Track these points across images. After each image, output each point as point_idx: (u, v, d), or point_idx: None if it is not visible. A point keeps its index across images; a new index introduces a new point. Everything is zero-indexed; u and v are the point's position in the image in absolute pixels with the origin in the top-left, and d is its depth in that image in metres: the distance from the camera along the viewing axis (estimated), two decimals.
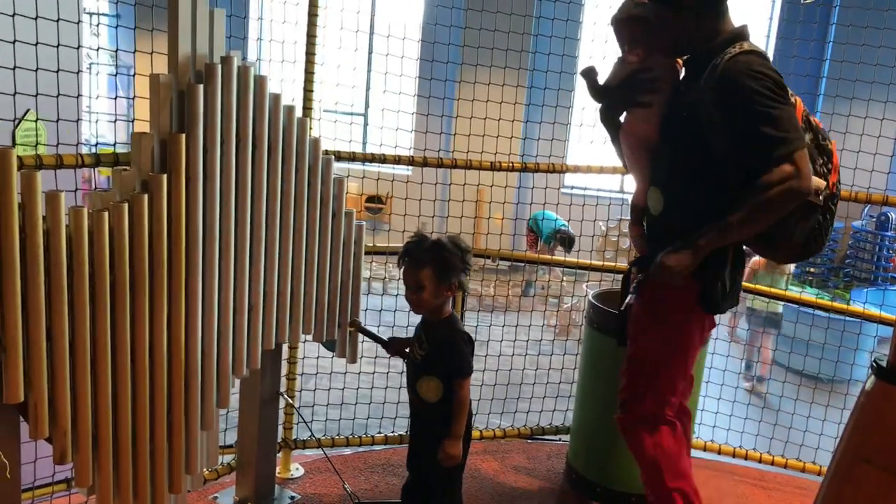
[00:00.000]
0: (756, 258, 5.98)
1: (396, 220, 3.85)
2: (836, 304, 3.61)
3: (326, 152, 2.68)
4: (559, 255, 9.22)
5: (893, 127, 3.98)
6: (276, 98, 2.34)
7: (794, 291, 5.30)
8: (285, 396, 3.15)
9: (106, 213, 1.95)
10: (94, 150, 2.52)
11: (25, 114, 2.91)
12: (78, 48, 2.49)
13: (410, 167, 3.44)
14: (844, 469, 1.32)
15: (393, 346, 2.71)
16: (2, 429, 1.97)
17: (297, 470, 3.32)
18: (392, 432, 3.61)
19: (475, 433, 3.68)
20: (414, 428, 2.67)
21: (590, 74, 2.66)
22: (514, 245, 9.95)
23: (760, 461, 3.67)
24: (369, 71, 10.93)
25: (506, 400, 3.90)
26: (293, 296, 2.55)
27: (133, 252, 2.01)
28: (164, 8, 2.09)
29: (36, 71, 2.31)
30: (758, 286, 4.48)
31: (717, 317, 2.62)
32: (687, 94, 2.42)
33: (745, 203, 2.23)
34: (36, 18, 2.28)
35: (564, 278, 5.84)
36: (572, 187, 9.36)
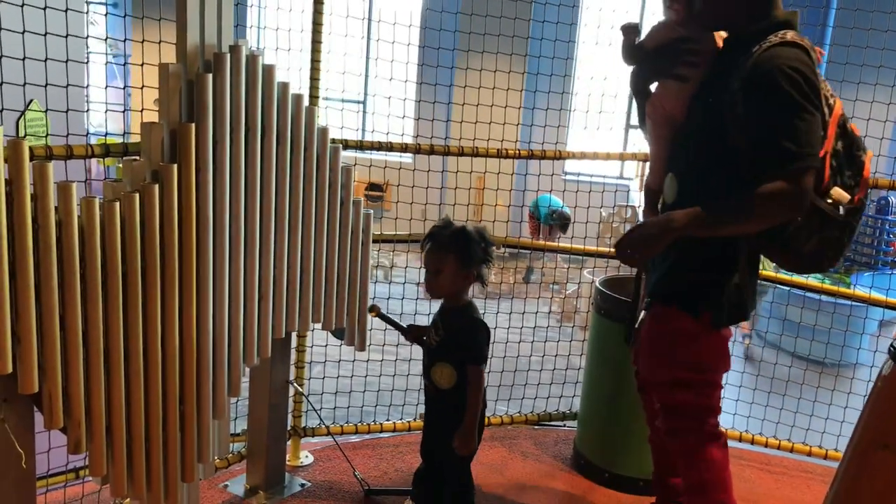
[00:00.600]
0: None
1: (397, 208, 3.85)
2: (843, 290, 3.62)
3: (334, 141, 2.67)
4: (559, 242, 9.26)
5: (893, 111, 3.98)
6: (284, 87, 2.33)
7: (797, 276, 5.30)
8: (294, 384, 3.16)
9: (117, 204, 1.95)
10: (100, 140, 2.51)
11: (29, 104, 2.90)
12: (86, 38, 2.47)
13: (411, 155, 3.42)
14: (861, 455, 1.32)
15: (411, 333, 2.71)
16: (16, 419, 1.97)
17: (306, 458, 3.34)
18: (400, 419, 3.63)
19: None
20: (428, 415, 2.67)
21: (630, 32, 2.49)
22: (515, 232, 9.97)
23: (766, 445, 3.68)
24: (367, 58, 10.89)
25: (512, 386, 3.91)
26: (302, 285, 2.55)
27: (144, 242, 2.01)
28: None
29: (45, 61, 2.30)
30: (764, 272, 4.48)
31: None
32: (718, 77, 2.25)
33: (735, 203, 2.13)
34: (45, 8, 2.27)
35: (568, 265, 5.83)
36: (575, 174, 9.36)
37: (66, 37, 2.32)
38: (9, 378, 1.85)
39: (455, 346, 2.49)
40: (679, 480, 2.65)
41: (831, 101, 2.16)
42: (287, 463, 3.17)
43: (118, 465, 2.11)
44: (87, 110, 2.61)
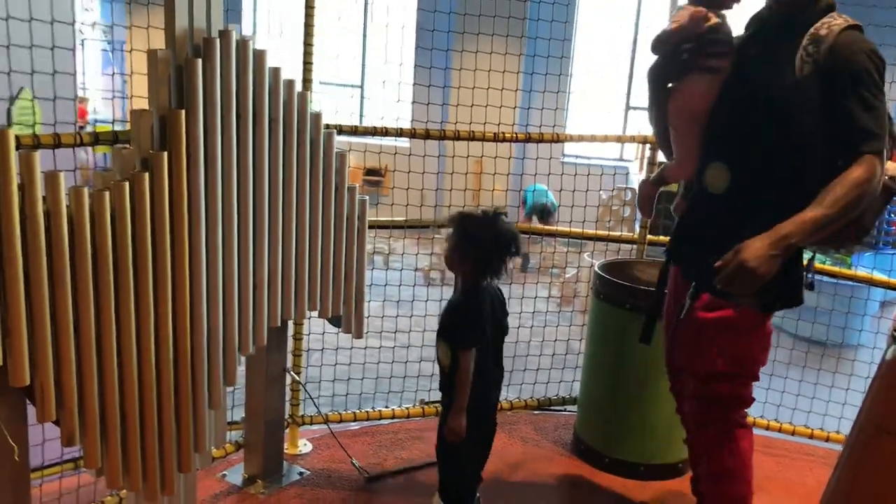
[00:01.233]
0: None
1: (396, 195, 3.82)
2: (844, 270, 3.59)
3: (328, 126, 2.64)
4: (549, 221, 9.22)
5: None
6: (275, 72, 2.29)
7: None
8: (291, 373, 3.14)
9: (107, 193, 1.91)
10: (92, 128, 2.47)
11: (20, 92, 2.86)
12: (73, 24, 2.43)
13: (408, 139, 3.39)
14: (865, 440, 1.30)
15: None
16: (8, 412, 1.95)
17: (304, 446, 3.32)
18: (399, 406, 3.61)
19: None
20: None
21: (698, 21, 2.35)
22: (514, 217, 9.95)
23: (768, 428, 3.67)
24: (364, 41, 10.82)
25: (512, 372, 3.89)
26: (298, 272, 2.53)
27: (135, 231, 1.98)
28: None
29: (31, 48, 2.26)
30: None
31: None
32: (765, 60, 2.22)
33: (837, 196, 2.02)
34: None
35: (567, 249, 5.82)
36: (573, 156, 9.32)
37: (52, 23, 2.28)
38: None
39: (445, 324, 2.51)
40: None
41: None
42: (285, 451, 3.16)
43: (113, 457, 2.09)
44: (75, 98, 2.57)
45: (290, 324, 3.00)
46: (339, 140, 2.62)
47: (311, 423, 3.41)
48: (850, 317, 4.24)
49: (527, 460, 3.37)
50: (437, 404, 3.42)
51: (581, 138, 3.72)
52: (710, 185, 2.34)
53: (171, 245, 2.07)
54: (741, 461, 2.38)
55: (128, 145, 2.09)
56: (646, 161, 2.63)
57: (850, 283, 3.69)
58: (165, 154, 2.02)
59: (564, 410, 3.90)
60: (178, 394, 2.20)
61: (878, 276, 3.71)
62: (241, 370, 2.43)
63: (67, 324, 1.90)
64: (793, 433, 3.65)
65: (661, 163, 2.71)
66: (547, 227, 5.29)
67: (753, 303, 2.25)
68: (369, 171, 10.65)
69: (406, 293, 3.75)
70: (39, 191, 1.80)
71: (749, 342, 2.33)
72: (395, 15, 3.89)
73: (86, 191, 1.88)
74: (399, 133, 3.25)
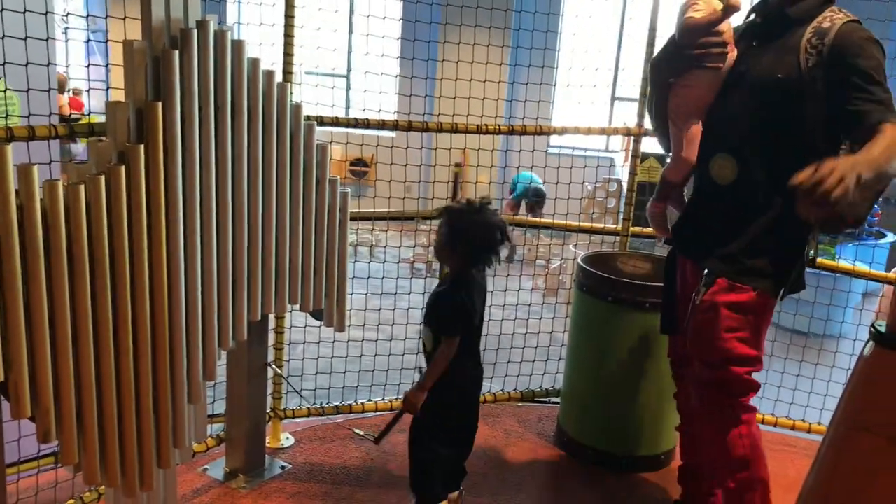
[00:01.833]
0: None
1: (381, 186, 3.80)
2: (826, 261, 3.60)
3: (308, 118, 2.61)
4: (539, 221, 9.20)
5: None
6: (254, 63, 2.27)
7: None
8: (273, 367, 3.12)
9: (82, 187, 1.88)
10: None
11: None
12: (46, 14, 2.39)
13: (394, 131, 3.36)
14: (842, 436, 1.30)
15: None
16: None
17: (287, 439, 3.31)
18: (382, 399, 3.60)
19: None
20: None
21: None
22: (500, 208, 9.92)
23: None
24: (350, 32, 10.75)
25: (496, 364, 3.89)
26: (278, 266, 2.50)
27: (112, 225, 1.95)
28: None
29: (2, 38, 2.22)
30: None
31: None
32: (766, 53, 2.28)
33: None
34: None
35: (550, 240, 5.82)
36: (558, 147, 9.31)
37: (24, 13, 2.24)
38: None
39: (431, 311, 2.53)
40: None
41: None
42: (267, 445, 3.15)
43: (90, 453, 2.07)
44: (50, 89, 2.53)
45: (272, 317, 2.98)
46: (324, 130, 2.60)
47: (294, 417, 3.40)
48: (832, 308, 4.26)
49: (510, 452, 3.37)
50: None
51: (565, 130, 3.71)
52: (716, 176, 2.37)
53: (149, 239, 2.04)
54: (755, 445, 2.42)
55: (104, 138, 2.06)
56: (665, 170, 2.61)
57: (832, 273, 3.70)
58: (142, 147, 1.99)
59: (548, 402, 3.90)
60: (157, 389, 2.17)
61: (861, 267, 3.72)
62: (221, 364, 2.41)
63: (42, 319, 1.88)
64: (775, 424, 3.67)
65: (660, 177, 2.69)
66: (531, 219, 5.28)
67: (770, 286, 2.32)
68: (355, 161, 10.60)
69: (391, 284, 3.73)
70: (12, 184, 1.77)
71: (760, 326, 2.38)
72: (379, 5, 3.86)
73: (60, 185, 1.85)
74: (381, 125, 3.23)
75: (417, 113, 3.77)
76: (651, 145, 3.21)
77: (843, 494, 1.29)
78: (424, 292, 3.03)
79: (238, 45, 2.20)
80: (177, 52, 2.02)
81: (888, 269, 3.93)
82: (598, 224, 5.19)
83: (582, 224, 4.00)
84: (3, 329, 1.81)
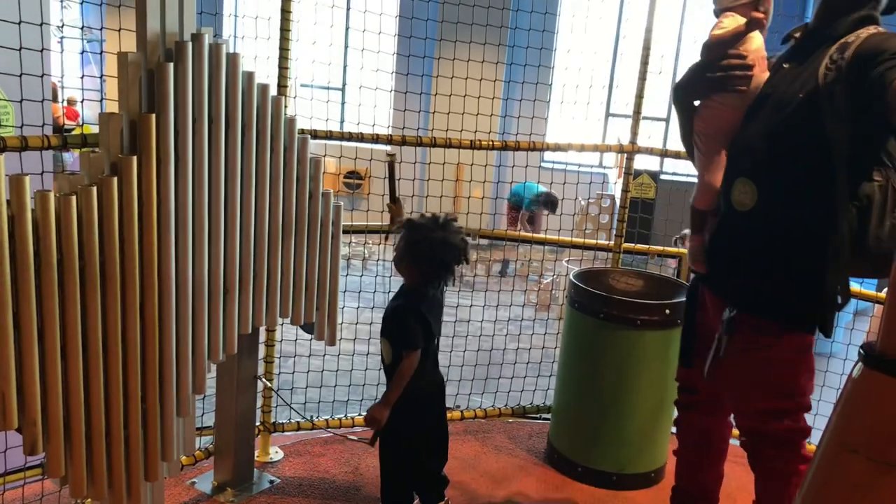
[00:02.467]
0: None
1: (374, 199, 3.80)
2: None
3: (303, 131, 2.61)
4: (536, 227, 9.23)
5: None
6: (249, 76, 2.27)
7: None
8: (263, 380, 3.11)
9: (74, 198, 1.88)
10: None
11: None
12: (41, 25, 2.39)
13: (389, 145, 3.37)
14: (830, 458, 1.29)
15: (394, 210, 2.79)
16: None
17: (276, 453, 3.29)
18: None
19: (455, 414, 3.67)
20: None
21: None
22: (494, 223, 9.95)
23: (734, 436, 3.67)
24: (346, 47, 10.79)
25: (487, 379, 3.89)
26: (269, 279, 2.50)
27: (103, 237, 1.95)
28: None
29: None
30: None
31: None
32: (796, 75, 2.13)
33: None
34: None
35: (542, 255, 5.83)
36: (551, 163, 9.34)
37: (20, 23, 2.24)
38: None
39: (387, 323, 2.52)
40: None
41: None
42: (256, 459, 3.13)
43: (77, 466, 2.06)
44: (44, 100, 2.53)
45: (262, 330, 2.97)
46: (318, 143, 2.60)
47: (283, 431, 3.38)
48: None
49: (500, 469, 3.35)
50: None
51: (559, 147, 3.72)
52: (736, 202, 2.23)
53: (140, 251, 2.04)
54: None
55: (97, 149, 2.06)
56: (692, 200, 2.49)
57: None
58: (135, 158, 1.99)
59: (539, 418, 3.90)
60: (146, 401, 2.16)
61: (851, 286, 3.72)
62: (211, 377, 2.40)
63: (31, 330, 1.87)
64: None
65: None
66: (524, 234, 5.29)
67: (799, 321, 2.15)
68: (349, 174, 10.61)
69: (383, 298, 3.73)
70: (3, 195, 1.76)
71: (795, 373, 2.22)
72: (375, 21, 3.88)
73: (52, 196, 1.85)
74: (375, 139, 3.24)
75: (412, 128, 3.79)
76: (644, 162, 3.23)
77: None
78: None
79: (233, 59, 2.21)
80: (171, 65, 2.03)
81: (879, 289, 3.94)
82: (590, 240, 5.21)
83: (575, 240, 4.01)
84: None
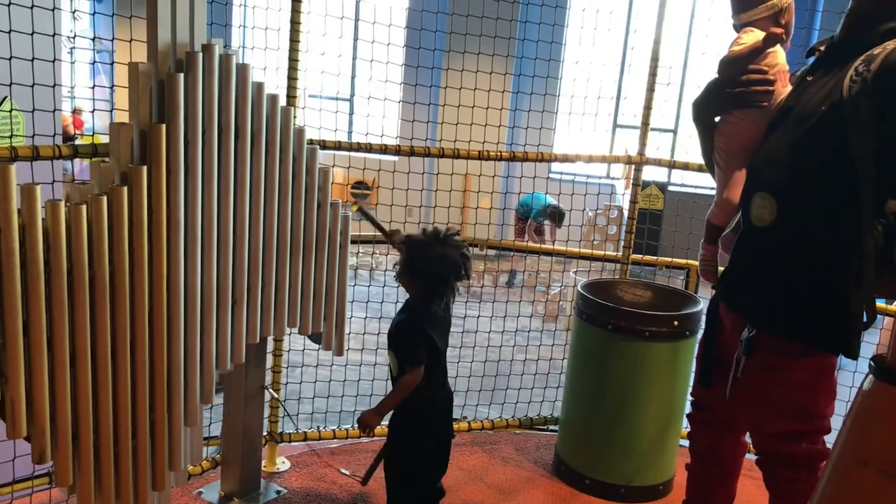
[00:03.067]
0: None
1: (383, 210, 3.81)
2: None
3: (311, 141, 2.62)
4: (543, 238, 9.23)
5: None
6: (259, 87, 2.28)
7: None
8: (270, 391, 3.11)
9: (84, 207, 1.89)
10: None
11: (2, 102, 2.83)
12: (54, 35, 2.42)
13: (397, 156, 3.38)
14: (842, 471, 1.29)
15: (391, 237, 2.74)
16: None
17: (283, 464, 3.29)
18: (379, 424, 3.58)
19: (462, 425, 3.66)
20: None
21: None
22: (501, 234, 9.94)
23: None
24: (354, 58, 10.83)
25: (494, 391, 3.88)
26: (278, 289, 2.51)
27: (113, 246, 1.96)
28: None
29: (10, 59, 2.24)
30: None
31: None
32: (819, 87, 2.07)
33: None
34: (9, 5, 2.22)
35: (550, 266, 5.83)
36: (559, 173, 9.34)
37: (32, 34, 2.26)
38: None
39: (394, 337, 2.52)
40: None
41: None
42: (263, 469, 3.13)
43: (85, 475, 2.06)
44: (55, 110, 2.55)
45: (270, 340, 2.97)
46: (326, 154, 2.61)
47: (290, 441, 3.38)
48: None
49: (507, 481, 3.34)
50: None
51: (566, 158, 3.72)
52: (755, 217, 2.17)
53: (149, 260, 2.05)
54: None
55: (107, 159, 2.07)
56: (710, 214, 2.46)
57: None
58: (145, 168, 2.00)
59: (547, 430, 3.89)
60: (154, 411, 2.17)
61: None
62: (218, 387, 2.40)
63: (41, 338, 1.88)
64: None
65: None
66: (531, 245, 5.29)
67: (819, 341, 2.08)
68: (356, 184, 10.64)
69: (390, 308, 3.73)
70: (15, 204, 1.77)
71: (814, 396, 2.16)
72: (384, 32, 3.90)
73: (62, 205, 1.86)
74: (383, 150, 3.25)
75: (420, 138, 3.80)
76: (652, 173, 3.23)
77: None
78: None
79: (243, 69, 2.22)
80: (182, 75, 2.04)
81: (889, 301, 3.91)
82: (598, 251, 5.20)
83: (582, 251, 4.01)
84: (0, 348, 1.81)
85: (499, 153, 3.44)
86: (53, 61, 2.44)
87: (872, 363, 1.25)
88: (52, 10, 2.47)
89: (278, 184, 2.41)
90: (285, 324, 2.57)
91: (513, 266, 8.73)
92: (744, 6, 2.29)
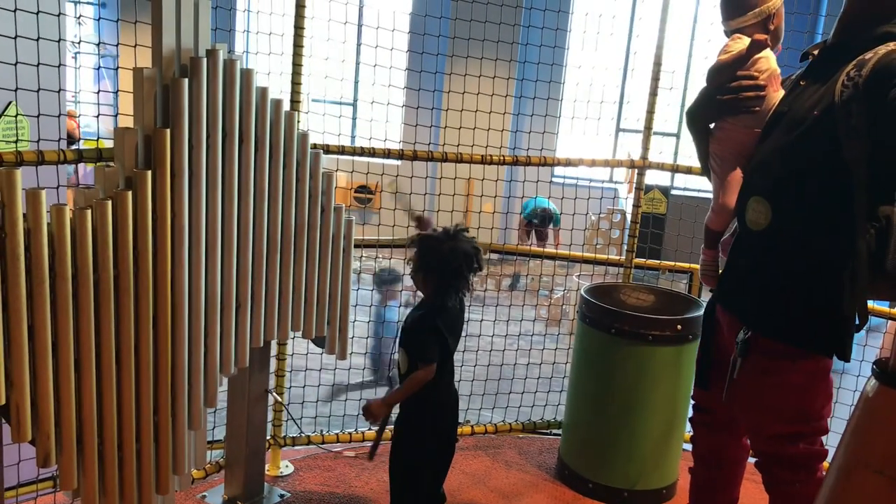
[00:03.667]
0: None
1: (385, 213, 3.81)
2: None
3: (315, 146, 2.63)
4: (544, 242, 9.24)
5: None
6: (263, 92, 2.29)
7: None
8: (274, 394, 3.11)
9: (89, 211, 1.90)
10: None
11: (7, 107, 2.85)
12: (59, 41, 2.43)
13: (400, 160, 3.39)
14: (845, 474, 1.29)
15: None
16: None
17: (286, 467, 3.29)
18: (385, 415, 3.58)
19: (466, 429, 3.66)
20: None
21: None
22: (504, 238, 9.95)
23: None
24: (358, 63, 10.85)
25: (497, 394, 3.88)
26: (281, 293, 2.51)
27: (117, 250, 1.97)
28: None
29: (15, 65, 2.26)
30: None
31: None
32: (812, 92, 2.09)
33: None
34: (15, 11, 2.23)
35: (553, 270, 5.83)
36: (562, 178, 9.35)
37: (38, 40, 2.27)
38: None
39: (406, 335, 2.52)
40: None
41: None
42: (266, 473, 3.13)
43: (89, 478, 2.07)
44: (60, 115, 2.56)
45: (273, 343, 2.98)
46: (329, 158, 2.61)
47: (294, 445, 3.38)
48: None
49: (510, 485, 3.34)
50: None
51: (569, 162, 3.73)
52: (750, 221, 2.20)
53: (154, 264, 2.05)
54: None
55: (112, 163, 2.08)
56: (707, 220, 2.48)
57: None
58: (149, 173, 2.01)
59: (550, 434, 3.89)
60: (158, 415, 2.17)
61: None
62: (222, 390, 2.41)
63: (45, 342, 1.88)
64: None
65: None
66: (535, 248, 5.29)
67: (814, 343, 2.10)
68: (359, 188, 10.64)
69: (393, 313, 3.73)
70: (20, 209, 1.78)
71: (810, 398, 2.18)
72: (387, 37, 3.92)
73: (67, 209, 1.87)
74: (387, 154, 3.25)
75: (423, 143, 3.80)
76: (655, 177, 3.24)
77: None
78: None
79: (247, 74, 2.23)
80: (186, 80, 2.05)
81: (892, 305, 3.91)
82: (601, 255, 5.20)
83: (586, 255, 4.01)
84: (6, 352, 1.82)
85: (501, 157, 3.45)
86: (59, 66, 2.45)
87: (875, 367, 1.25)
88: (58, 15, 2.48)
89: (282, 188, 2.42)
90: (289, 328, 2.58)
91: (516, 270, 8.73)
92: (732, 13, 2.32)
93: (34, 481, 2.70)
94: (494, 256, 5.36)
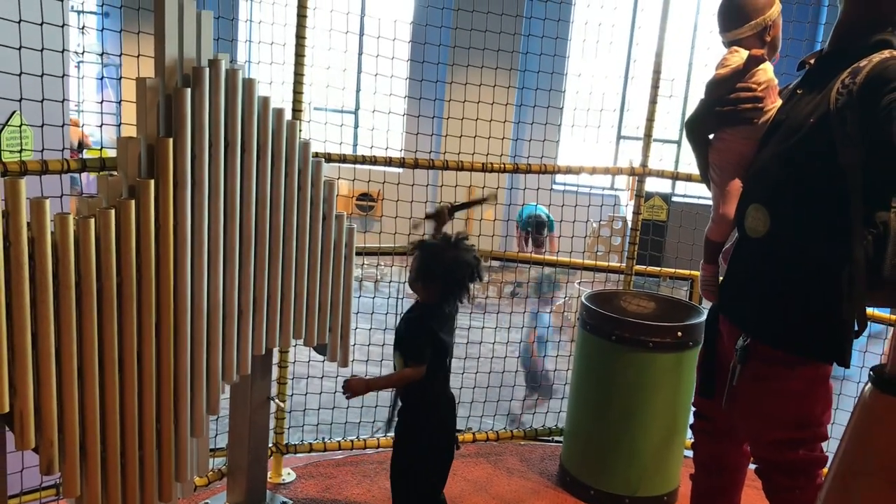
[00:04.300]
0: None
1: (387, 221, 3.83)
2: None
3: (317, 154, 2.64)
4: (543, 249, 9.25)
5: None
6: (264, 101, 2.31)
7: None
8: (276, 401, 3.12)
9: (92, 220, 1.92)
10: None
11: (10, 117, 2.87)
12: (63, 51, 2.45)
13: (401, 168, 3.40)
14: (843, 480, 1.30)
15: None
16: None
17: (288, 475, 3.30)
18: (384, 436, 3.59)
19: (467, 436, 3.67)
20: None
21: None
22: (505, 246, 9.97)
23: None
24: (359, 72, 10.88)
25: (498, 402, 3.89)
26: (283, 300, 2.52)
27: (120, 259, 1.98)
28: (150, 10, 2.06)
29: (20, 75, 2.28)
30: None
31: None
32: (809, 100, 2.11)
33: None
34: (19, 22, 2.25)
35: (554, 277, 5.83)
36: (563, 185, 9.37)
37: (42, 50, 2.29)
38: None
39: (401, 335, 2.54)
40: None
41: None
42: (269, 480, 3.14)
43: (92, 486, 2.08)
44: (64, 124, 2.58)
45: (275, 351, 2.99)
46: (331, 166, 2.63)
47: (296, 452, 3.39)
48: None
49: (512, 492, 3.35)
50: None
51: (570, 170, 3.74)
52: (749, 229, 2.22)
53: (156, 273, 2.07)
54: None
55: (115, 172, 2.10)
56: (707, 231, 2.49)
57: None
58: (152, 182, 2.02)
59: (551, 441, 3.89)
60: (161, 422, 2.18)
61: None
62: (225, 397, 2.42)
63: (49, 350, 1.90)
64: None
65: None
66: (535, 256, 5.30)
67: (813, 350, 2.11)
68: (361, 196, 10.68)
69: (394, 320, 3.74)
70: (24, 218, 1.80)
71: (810, 404, 2.19)
72: (388, 46, 3.95)
73: (71, 218, 1.89)
74: (388, 162, 3.27)
75: (424, 151, 3.82)
76: (655, 184, 3.25)
77: None
78: None
79: (249, 84, 2.25)
80: (189, 90, 2.07)
81: (893, 311, 3.92)
82: (602, 262, 5.22)
83: (586, 262, 4.02)
84: (10, 359, 1.83)
85: (502, 165, 3.46)
86: (62, 76, 2.47)
87: (872, 373, 1.26)
88: (62, 26, 2.50)
89: (284, 196, 2.44)
90: (291, 335, 2.59)
91: (517, 277, 8.74)
92: (729, 25, 2.34)
93: (37, 489, 2.71)
94: (496, 263, 5.37)
